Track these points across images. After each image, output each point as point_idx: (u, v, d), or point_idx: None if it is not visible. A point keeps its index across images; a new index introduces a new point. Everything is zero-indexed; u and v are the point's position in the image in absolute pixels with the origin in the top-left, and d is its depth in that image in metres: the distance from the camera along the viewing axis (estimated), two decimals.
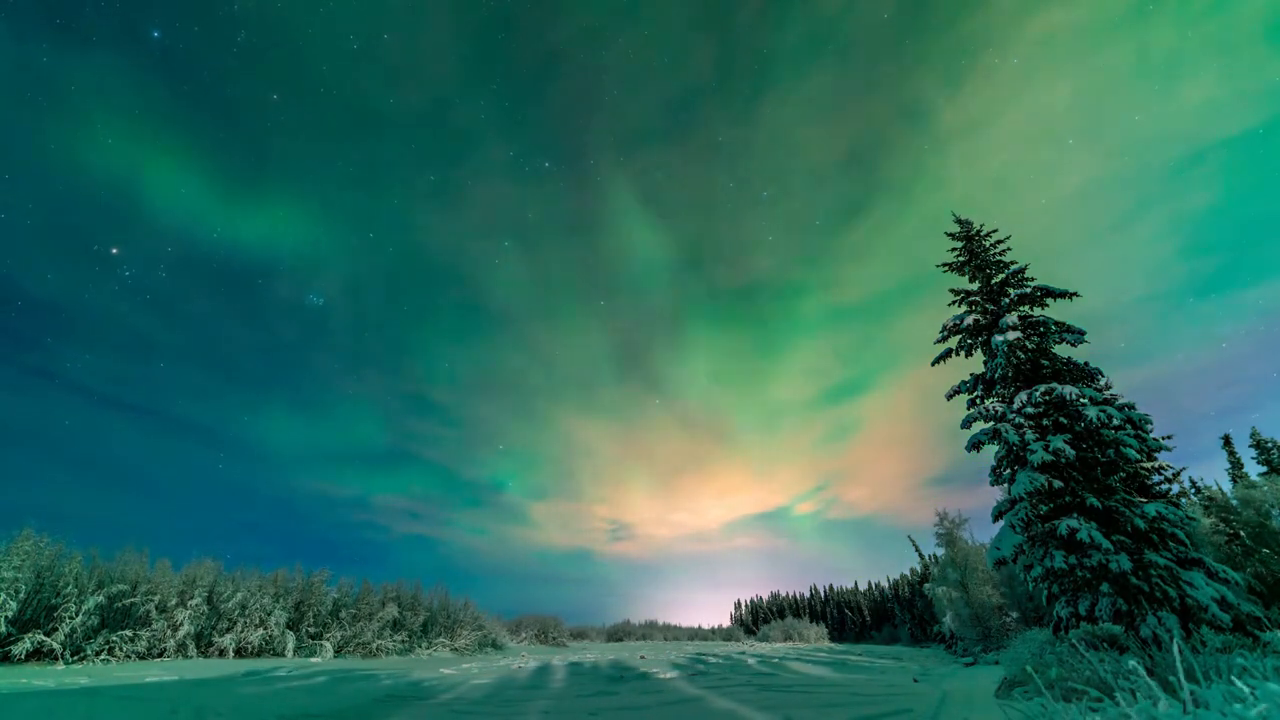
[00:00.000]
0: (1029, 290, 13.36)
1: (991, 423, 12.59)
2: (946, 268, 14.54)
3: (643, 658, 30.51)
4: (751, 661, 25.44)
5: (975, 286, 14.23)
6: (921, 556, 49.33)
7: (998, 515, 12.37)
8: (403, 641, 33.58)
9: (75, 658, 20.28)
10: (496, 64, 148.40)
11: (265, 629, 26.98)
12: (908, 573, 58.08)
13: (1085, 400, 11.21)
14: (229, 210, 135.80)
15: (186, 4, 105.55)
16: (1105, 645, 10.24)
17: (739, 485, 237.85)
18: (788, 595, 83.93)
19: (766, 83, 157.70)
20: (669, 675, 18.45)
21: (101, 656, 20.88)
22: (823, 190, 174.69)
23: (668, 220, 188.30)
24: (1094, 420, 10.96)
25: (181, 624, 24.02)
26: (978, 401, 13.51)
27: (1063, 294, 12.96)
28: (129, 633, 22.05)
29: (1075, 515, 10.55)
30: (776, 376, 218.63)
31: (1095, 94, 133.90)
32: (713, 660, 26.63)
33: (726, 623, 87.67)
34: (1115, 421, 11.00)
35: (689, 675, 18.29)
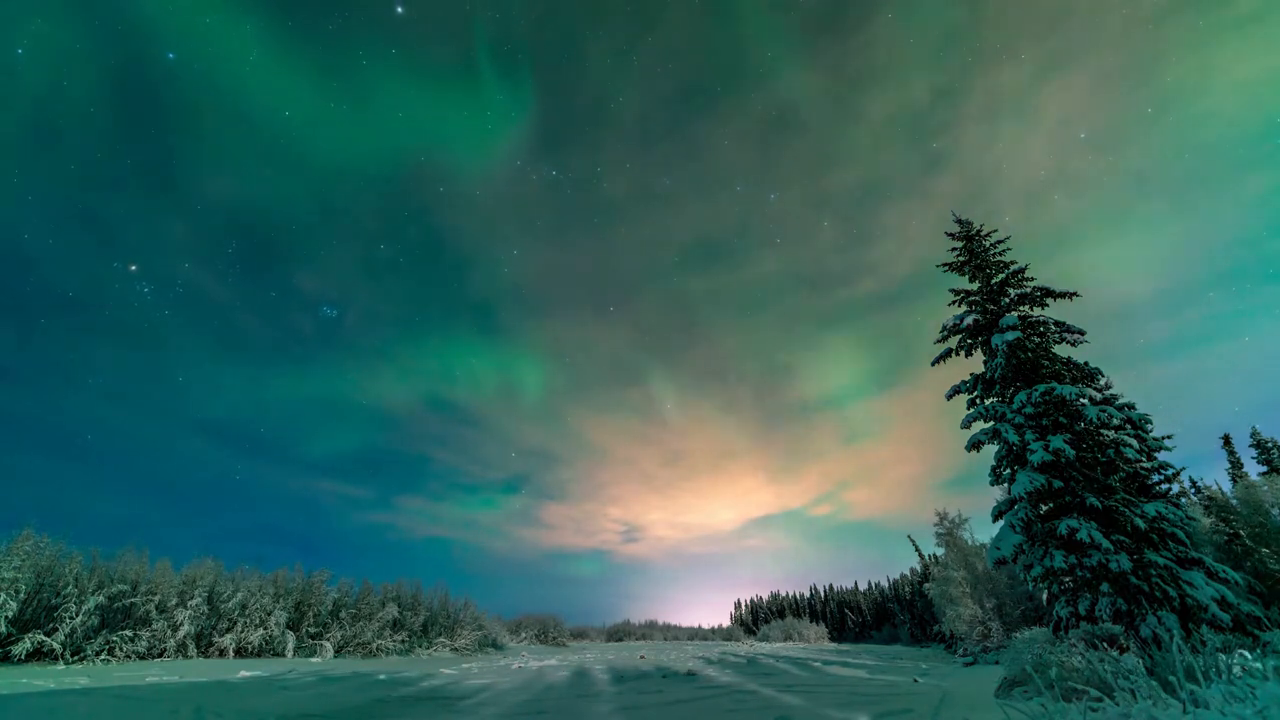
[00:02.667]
0: (1029, 290, 13.38)
1: (991, 422, 12.60)
2: (946, 268, 14.55)
3: (642, 658, 30.52)
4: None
5: (975, 286, 14.24)
6: (921, 556, 49.32)
7: (998, 515, 12.38)
8: (403, 642, 33.57)
9: (75, 658, 20.28)
10: (512, 62, 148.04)
11: (265, 629, 26.98)
12: (908, 573, 58.10)
13: (1085, 400, 11.22)
14: (246, 214, 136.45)
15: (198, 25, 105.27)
16: (1105, 645, 10.24)
17: (754, 487, 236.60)
18: (788, 595, 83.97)
19: (777, 71, 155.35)
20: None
21: (101, 657, 20.88)
22: (835, 185, 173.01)
23: (684, 216, 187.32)
24: (1094, 420, 10.97)
25: (181, 624, 24.02)
26: (978, 401, 13.52)
27: (1063, 294, 12.98)
28: (129, 633, 22.05)
29: (1075, 515, 10.56)
30: (796, 376, 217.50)
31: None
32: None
33: (726, 622, 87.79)
34: (1115, 421, 11.01)
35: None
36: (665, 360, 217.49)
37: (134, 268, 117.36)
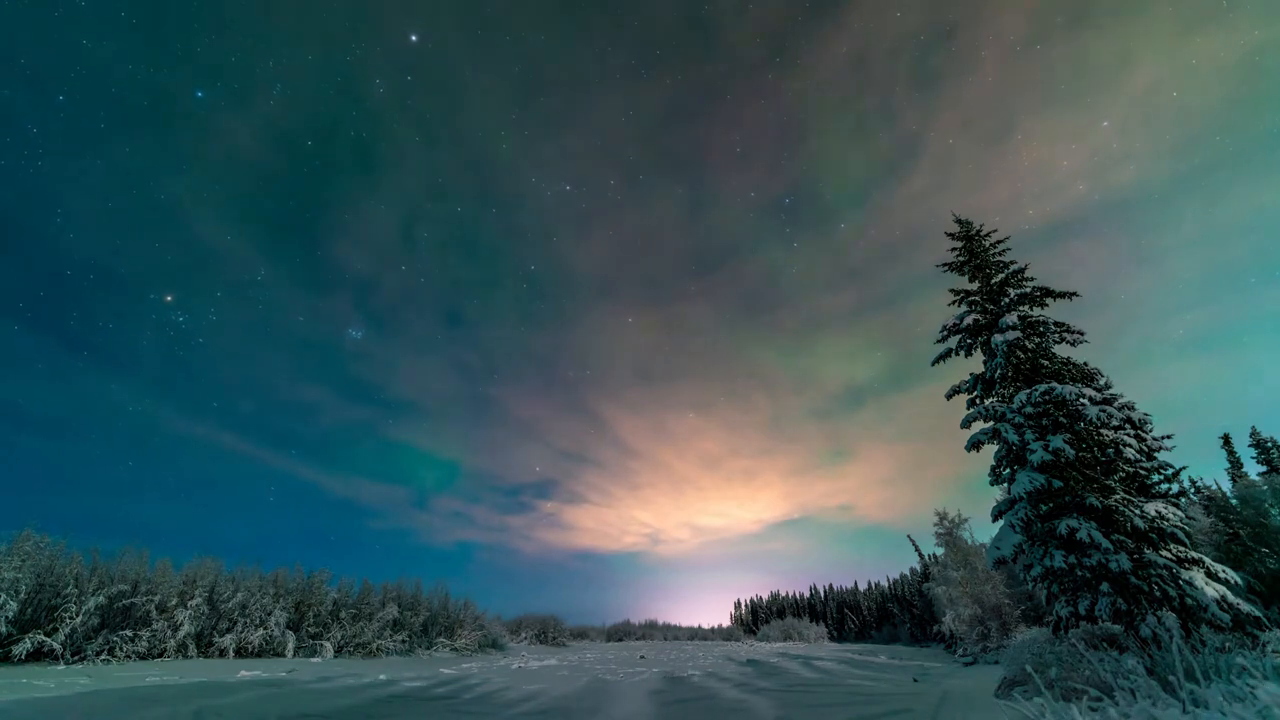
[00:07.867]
0: (1028, 290, 13.37)
1: (991, 422, 12.60)
2: (946, 267, 14.56)
3: (642, 657, 30.56)
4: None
5: (975, 286, 14.25)
6: (921, 556, 49.35)
7: (997, 515, 12.38)
8: (403, 642, 33.54)
9: (75, 658, 20.28)
10: (545, 77, 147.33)
11: (265, 629, 26.97)
12: (908, 573, 58.11)
13: (1085, 400, 11.21)
14: (286, 225, 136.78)
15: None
16: (1105, 645, 10.24)
17: (778, 491, 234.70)
18: (788, 595, 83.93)
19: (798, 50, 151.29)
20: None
21: (102, 657, 20.87)
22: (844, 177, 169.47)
23: (712, 209, 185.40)
24: (1094, 420, 10.97)
25: (182, 624, 24.01)
26: (977, 401, 13.52)
27: (1063, 294, 12.98)
28: (129, 633, 22.05)
29: (1075, 515, 10.56)
30: (822, 378, 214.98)
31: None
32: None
33: (726, 622, 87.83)
34: (1115, 421, 11.01)
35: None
36: (693, 362, 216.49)
37: (169, 298, 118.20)
